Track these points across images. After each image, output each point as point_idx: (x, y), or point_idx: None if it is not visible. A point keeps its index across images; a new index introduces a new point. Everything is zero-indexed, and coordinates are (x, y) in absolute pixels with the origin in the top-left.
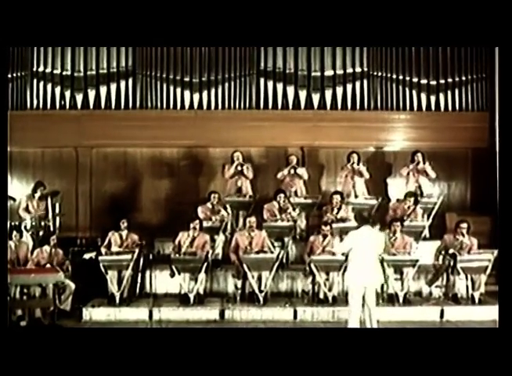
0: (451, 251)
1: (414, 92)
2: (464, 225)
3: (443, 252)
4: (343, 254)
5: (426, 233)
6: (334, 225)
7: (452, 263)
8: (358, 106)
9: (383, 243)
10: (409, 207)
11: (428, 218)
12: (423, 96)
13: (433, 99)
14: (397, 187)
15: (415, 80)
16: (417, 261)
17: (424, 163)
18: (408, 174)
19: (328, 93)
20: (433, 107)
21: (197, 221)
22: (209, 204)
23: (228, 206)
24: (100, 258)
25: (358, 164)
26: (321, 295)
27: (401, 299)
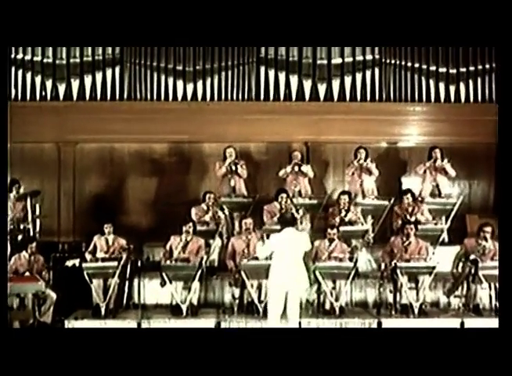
0: (472, 257)
1: (431, 82)
2: (488, 228)
3: (463, 258)
4: (266, 258)
5: (444, 237)
6: (341, 229)
7: (473, 270)
8: (368, 98)
9: (307, 244)
10: (409, 205)
11: (447, 220)
12: (442, 86)
13: (452, 89)
14: (412, 187)
15: (432, 68)
16: (434, 268)
17: (443, 160)
18: (424, 172)
19: (335, 83)
20: (452, 98)
21: (191, 224)
22: (204, 205)
23: (225, 207)
24: (84, 265)
25: (365, 161)
26: (327, 306)
27: (416, 310)
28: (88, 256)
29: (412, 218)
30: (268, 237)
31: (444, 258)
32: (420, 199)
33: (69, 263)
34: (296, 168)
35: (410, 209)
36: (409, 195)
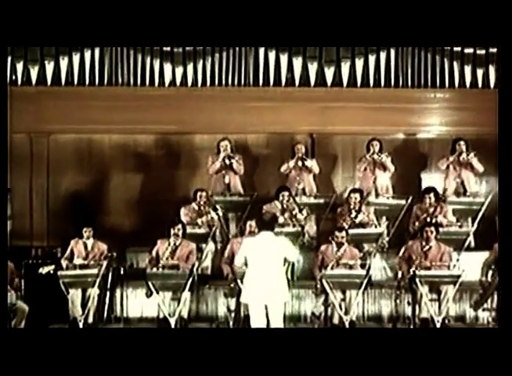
0: None
1: (455, 64)
2: None
3: (493, 266)
4: (244, 265)
5: (470, 241)
6: (352, 232)
7: None
8: (383, 83)
9: (288, 252)
10: (430, 205)
11: (473, 222)
12: (468, 70)
13: (480, 72)
14: (433, 184)
15: (457, 48)
16: (459, 277)
17: (468, 153)
18: (447, 167)
19: (345, 66)
20: (480, 83)
21: (180, 226)
22: (195, 205)
23: (218, 207)
24: (60, 273)
25: (379, 155)
26: (335, 320)
27: (438, 326)
28: (64, 263)
29: (435, 220)
30: None
31: (470, 265)
32: (442, 198)
33: (42, 271)
34: (299, 163)
35: (432, 210)
36: (431, 194)
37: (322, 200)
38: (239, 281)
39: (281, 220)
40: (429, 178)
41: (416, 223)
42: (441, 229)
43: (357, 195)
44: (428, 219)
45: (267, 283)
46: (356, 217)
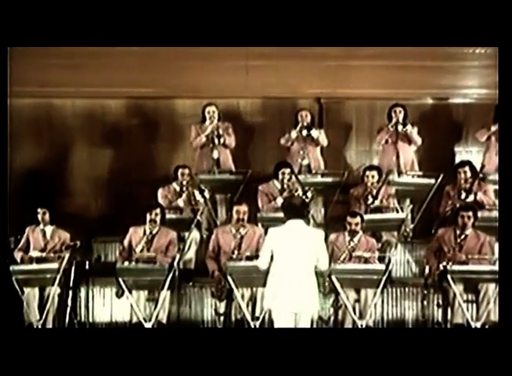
0: None
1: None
2: None
3: None
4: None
5: None
6: (368, 218)
7: None
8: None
9: (321, 248)
10: (466, 181)
11: None
12: None
13: None
14: (471, 159)
15: None
16: None
17: None
18: (488, 139)
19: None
20: None
21: (158, 210)
22: (175, 185)
23: (204, 188)
24: (12, 267)
25: (403, 124)
26: (348, 325)
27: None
28: (17, 255)
29: (470, 198)
30: (266, 232)
31: None
32: (481, 176)
33: None
34: (304, 133)
35: (467, 186)
36: (466, 168)
37: (331, 179)
38: (229, 278)
39: (280, 202)
40: (465, 153)
41: (448, 205)
42: (479, 214)
43: (374, 173)
44: (463, 196)
45: (297, 286)
46: (373, 203)
